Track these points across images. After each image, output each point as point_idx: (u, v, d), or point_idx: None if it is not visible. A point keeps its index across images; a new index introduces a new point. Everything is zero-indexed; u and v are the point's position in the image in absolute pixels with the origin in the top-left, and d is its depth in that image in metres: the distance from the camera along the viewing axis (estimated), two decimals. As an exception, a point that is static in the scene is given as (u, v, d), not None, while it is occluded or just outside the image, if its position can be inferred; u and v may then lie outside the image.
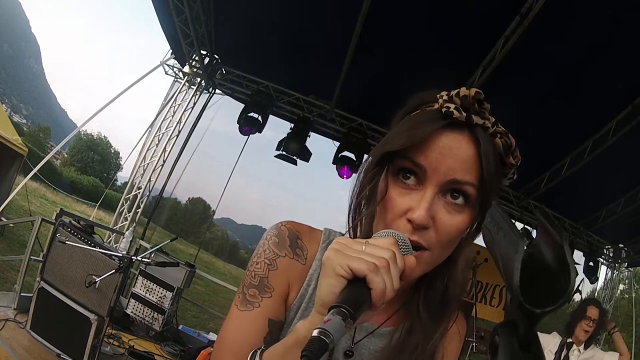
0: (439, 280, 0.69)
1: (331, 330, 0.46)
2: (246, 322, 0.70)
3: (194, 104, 6.10)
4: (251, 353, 0.61)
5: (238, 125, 5.66)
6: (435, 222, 0.60)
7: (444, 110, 0.61)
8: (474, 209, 0.62)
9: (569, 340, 2.96)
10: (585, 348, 2.97)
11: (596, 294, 7.43)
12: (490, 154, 0.61)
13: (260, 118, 5.72)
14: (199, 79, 5.95)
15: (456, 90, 0.62)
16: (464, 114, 0.61)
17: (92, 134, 45.41)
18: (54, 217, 3.18)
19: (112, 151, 47.79)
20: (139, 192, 5.89)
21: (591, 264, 6.49)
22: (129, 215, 5.81)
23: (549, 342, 2.96)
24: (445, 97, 0.63)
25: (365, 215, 0.68)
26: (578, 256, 6.58)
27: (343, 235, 0.78)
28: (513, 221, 0.42)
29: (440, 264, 0.66)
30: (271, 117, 5.89)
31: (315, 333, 0.45)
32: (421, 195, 0.60)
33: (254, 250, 0.79)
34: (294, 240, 0.75)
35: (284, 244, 0.74)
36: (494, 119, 0.63)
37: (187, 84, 6.00)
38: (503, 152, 0.63)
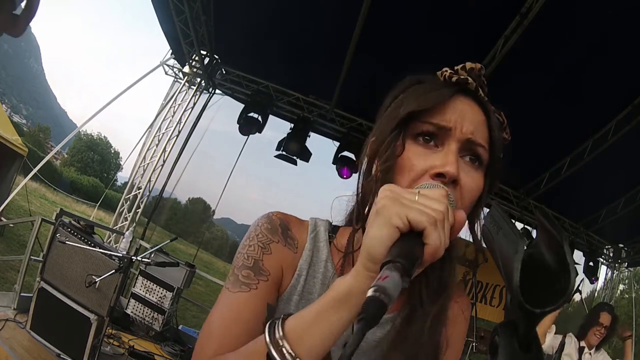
0: (439, 262, 0.68)
1: (390, 288, 0.40)
2: (241, 304, 0.63)
3: (194, 104, 6.10)
4: (268, 324, 0.52)
5: (238, 125, 5.67)
6: (459, 181, 0.61)
7: (454, 79, 0.65)
8: (486, 171, 0.65)
9: (582, 344, 2.99)
10: (596, 351, 3.00)
11: (596, 294, 7.44)
12: (495, 123, 0.66)
13: (260, 118, 5.73)
14: (199, 79, 5.95)
15: (461, 65, 0.66)
16: (475, 83, 0.65)
17: (92, 134, 45.45)
18: (54, 217, 3.18)
19: (112, 151, 47.82)
20: (139, 192, 5.89)
21: (591, 264, 6.49)
22: (129, 216, 5.81)
23: (569, 345, 2.96)
24: (451, 71, 0.66)
25: (380, 179, 0.63)
26: (578, 256, 6.58)
27: (331, 223, 0.77)
28: (513, 221, 0.42)
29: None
30: (271, 117, 5.89)
31: (371, 292, 0.40)
32: (445, 152, 0.61)
33: None
34: (285, 229, 0.73)
35: (276, 230, 0.72)
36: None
37: (187, 84, 6.00)
38: (498, 126, 0.68)
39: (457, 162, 0.60)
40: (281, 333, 0.50)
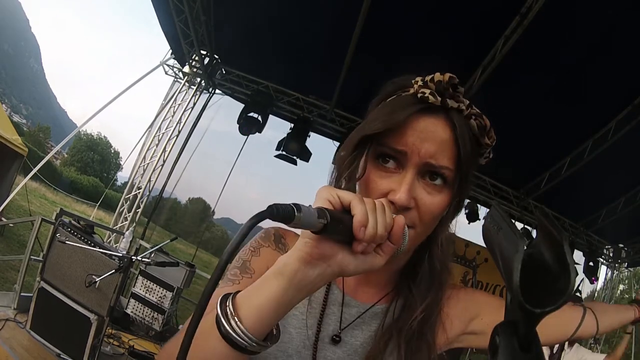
0: (423, 259, 0.71)
1: (303, 208, 0.45)
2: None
3: (194, 104, 6.11)
4: (220, 297, 0.55)
5: (238, 125, 5.67)
6: (417, 202, 0.63)
7: (419, 95, 0.63)
8: (453, 188, 0.65)
9: None
10: (570, 346, 2.94)
11: (596, 294, 7.44)
12: (466, 136, 0.64)
13: (260, 118, 5.73)
14: (198, 79, 5.95)
15: (430, 76, 0.64)
16: (439, 98, 0.62)
17: (92, 134, 45.46)
18: (53, 217, 3.18)
19: (112, 151, 47.83)
20: (139, 192, 5.89)
21: (591, 264, 6.49)
22: (129, 215, 5.81)
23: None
24: (420, 83, 0.64)
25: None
26: (578, 256, 6.58)
27: None
28: (513, 221, 0.42)
29: (423, 244, 0.69)
30: (271, 117, 5.89)
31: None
32: (401, 178, 0.62)
33: None
34: (279, 238, 0.79)
35: (269, 238, 0.78)
36: (468, 102, 0.65)
37: (187, 84, 6.00)
38: (478, 132, 0.65)
39: (410, 190, 0.61)
40: (230, 300, 0.54)
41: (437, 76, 0.63)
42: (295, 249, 0.52)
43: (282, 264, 0.53)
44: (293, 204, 0.45)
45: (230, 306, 0.53)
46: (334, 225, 0.48)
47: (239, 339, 0.51)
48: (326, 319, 0.73)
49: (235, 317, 0.52)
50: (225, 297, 0.54)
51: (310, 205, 0.48)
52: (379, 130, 0.62)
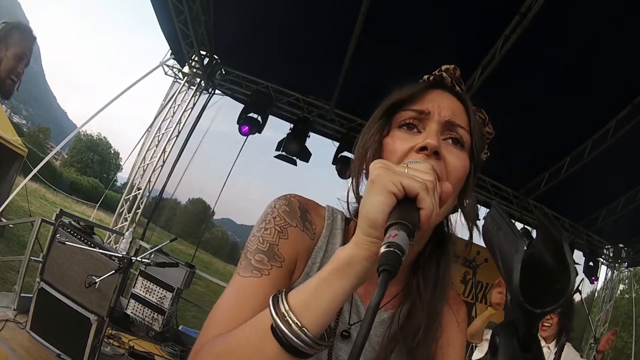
0: (433, 258, 0.72)
1: (402, 243, 0.42)
2: (251, 289, 0.61)
3: (194, 104, 6.10)
4: (272, 297, 0.52)
5: (238, 126, 5.67)
6: (445, 160, 0.64)
7: (431, 78, 0.74)
8: (471, 154, 0.69)
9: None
10: (556, 345, 2.86)
11: (596, 294, 7.44)
12: (473, 111, 0.72)
13: (260, 118, 5.73)
14: (198, 80, 5.95)
15: (438, 69, 0.74)
16: (450, 79, 0.73)
17: (92, 134, 45.44)
18: (53, 218, 3.18)
19: (112, 152, 47.80)
20: (139, 193, 5.89)
21: (591, 264, 6.49)
22: (128, 216, 5.81)
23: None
24: (428, 75, 0.75)
25: (369, 160, 0.69)
26: (578, 256, 6.58)
27: (345, 215, 0.78)
28: (513, 221, 0.42)
29: (434, 243, 0.71)
30: (271, 117, 5.89)
31: (384, 249, 0.42)
32: (426, 132, 0.66)
33: None
34: (304, 213, 0.72)
35: (295, 214, 0.70)
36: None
37: (186, 84, 6.00)
38: (480, 122, 0.74)
39: (438, 138, 0.65)
40: (286, 304, 0.50)
41: (445, 66, 0.74)
42: (359, 246, 0.50)
43: (345, 263, 0.50)
44: (396, 249, 0.42)
45: (291, 313, 0.50)
46: (413, 227, 0.47)
47: (304, 345, 0.49)
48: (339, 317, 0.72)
49: (298, 323, 0.49)
50: (276, 300, 0.52)
51: (396, 226, 0.45)
52: (404, 98, 0.70)
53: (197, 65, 5.71)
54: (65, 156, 42.47)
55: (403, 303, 0.73)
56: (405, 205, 0.48)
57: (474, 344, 3.22)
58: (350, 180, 0.73)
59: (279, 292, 0.53)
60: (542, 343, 2.82)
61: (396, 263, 0.41)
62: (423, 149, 0.63)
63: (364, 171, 0.71)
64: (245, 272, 0.63)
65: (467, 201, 0.71)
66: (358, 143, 0.74)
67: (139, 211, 5.91)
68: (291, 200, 0.72)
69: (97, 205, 9.50)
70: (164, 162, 6.04)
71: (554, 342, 2.86)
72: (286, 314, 0.49)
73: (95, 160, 42.79)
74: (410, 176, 0.49)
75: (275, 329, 0.49)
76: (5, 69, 1.83)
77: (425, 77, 0.75)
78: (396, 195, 0.48)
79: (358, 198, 0.72)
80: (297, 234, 0.69)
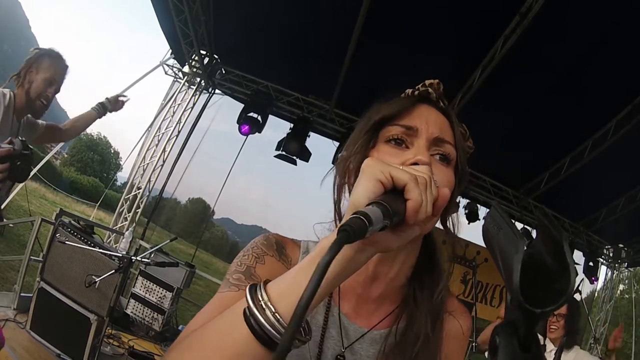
0: (427, 269, 0.72)
1: (371, 214, 0.41)
2: (228, 301, 0.60)
3: (194, 104, 6.10)
4: (248, 287, 0.51)
5: (238, 125, 5.67)
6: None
7: (416, 93, 0.74)
8: (456, 170, 0.70)
9: (546, 341, 2.87)
10: (568, 348, 2.88)
11: (596, 294, 7.44)
12: (457, 126, 0.73)
13: (259, 118, 5.73)
14: (198, 79, 5.95)
15: (422, 83, 0.75)
16: (435, 94, 0.74)
17: (92, 134, 45.35)
18: (53, 218, 3.18)
19: (112, 151, 47.74)
20: (139, 192, 5.89)
21: (591, 264, 6.50)
22: (128, 216, 5.81)
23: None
24: (412, 89, 0.75)
25: (352, 173, 0.70)
26: (578, 256, 6.59)
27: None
28: (513, 221, 0.42)
29: (426, 255, 0.72)
30: (271, 117, 5.89)
31: (350, 215, 0.42)
32: (415, 147, 0.67)
33: None
34: (281, 248, 0.76)
35: (272, 247, 0.75)
36: None
37: (186, 84, 6.00)
38: (460, 137, 0.74)
39: (428, 154, 0.66)
40: (263, 292, 0.49)
41: (428, 81, 0.74)
42: None
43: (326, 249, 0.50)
44: (362, 215, 0.41)
45: (267, 300, 0.48)
46: (393, 214, 0.45)
47: (276, 334, 0.46)
48: (326, 342, 0.71)
49: (273, 309, 0.47)
50: (253, 288, 0.50)
51: (372, 204, 0.44)
52: (389, 113, 0.70)
53: (197, 65, 5.71)
54: (65, 155, 42.44)
55: (399, 320, 0.72)
56: (392, 194, 0.48)
57: (474, 344, 3.22)
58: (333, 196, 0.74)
59: (257, 283, 0.52)
60: (550, 346, 2.84)
61: (358, 229, 0.40)
62: (414, 164, 0.63)
63: (347, 186, 0.72)
64: (224, 288, 0.66)
65: (449, 217, 0.72)
66: (340, 158, 0.74)
67: (139, 211, 5.91)
68: (269, 237, 0.77)
69: (97, 204, 9.49)
70: (164, 161, 6.04)
71: (558, 343, 2.87)
72: (261, 300, 0.48)
73: (95, 159, 42.76)
74: (401, 169, 0.50)
75: (247, 314, 0.48)
76: (35, 92, 2.00)
77: (409, 91, 0.75)
78: (384, 183, 0.48)
79: (340, 215, 0.73)
80: (274, 262, 0.73)
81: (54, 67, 2.05)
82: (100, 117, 2.73)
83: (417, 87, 0.74)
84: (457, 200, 0.75)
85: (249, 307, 0.48)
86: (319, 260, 0.39)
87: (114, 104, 2.78)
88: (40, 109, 2.08)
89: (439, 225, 0.71)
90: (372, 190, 0.47)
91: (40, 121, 2.28)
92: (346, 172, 0.72)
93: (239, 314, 0.49)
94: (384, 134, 0.70)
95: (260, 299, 0.48)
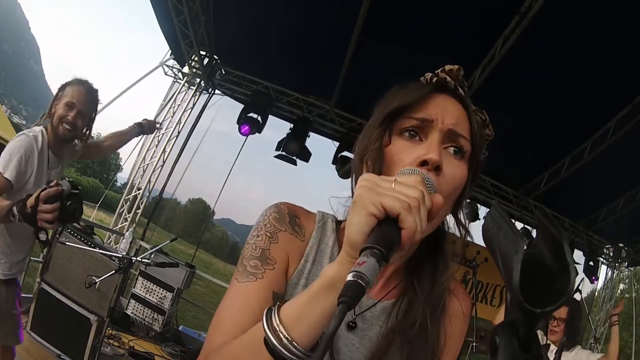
0: (429, 256, 0.72)
1: (367, 273, 0.44)
2: (249, 294, 0.66)
3: (194, 104, 6.10)
4: (266, 310, 0.56)
5: (238, 126, 5.67)
6: (443, 170, 0.64)
7: (435, 80, 0.71)
8: (470, 164, 0.69)
9: (548, 341, 2.88)
10: (569, 348, 2.89)
11: (596, 294, 7.44)
12: (475, 118, 0.71)
13: (259, 118, 5.72)
14: (198, 80, 5.95)
15: (441, 68, 0.72)
16: (454, 82, 0.71)
17: (92, 134, 45.35)
18: (53, 218, 3.17)
19: (112, 152, 47.71)
20: (139, 193, 5.88)
21: (591, 263, 6.49)
22: (128, 216, 5.81)
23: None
24: (432, 74, 0.72)
25: (369, 168, 0.68)
26: (578, 256, 6.59)
27: (336, 219, 0.80)
28: (513, 221, 0.42)
29: (429, 241, 0.71)
30: (271, 117, 5.89)
31: (350, 277, 0.43)
32: (428, 142, 0.65)
33: None
34: (293, 218, 0.76)
35: (284, 219, 0.75)
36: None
37: (186, 84, 5.99)
38: (481, 123, 0.73)
39: (440, 150, 0.64)
40: (277, 319, 0.54)
41: (448, 66, 0.71)
42: (343, 265, 0.52)
43: (332, 280, 0.52)
44: (358, 279, 0.43)
45: (282, 327, 0.53)
46: (389, 251, 0.47)
47: (294, 358, 0.52)
48: None
49: (288, 337, 0.52)
50: (269, 314, 0.55)
51: (367, 250, 0.46)
52: (404, 103, 0.68)
53: (197, 65, 5.71)
54: (65, 156, 42.38)
55: (404, 294, 0.73)
56: (386, 225, 0.49)
57: (474, 344, 3.22)
58: (351, 179, 0.75)
59: (272, 306, 0.56)
60: (552, 345, 2.84)
61: (356, 295, 0.42)
62: (424, 163, 0.62)
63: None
64: (242, 278, 0.68)
65: (461, 211, 0.72)
66: (358, 145, 0.74)
67: (139, 211, 5.90)
68: (280, 207, 0.76)
69: (97, 205, 9.47)
70: (164, 162, 6.04)
71: (560, 344, 2.88)
72: (277, 328, 0.53)
73: (95, 160, 42.74)
74: (392, 195, 0.50)
75: (267, 342, 0.53)
76: (57, 117, 2.06)
77: (428, 75, 0.72)
78: (376, 216, 0.49)
79: None
80: (287, 237, 0.73)
81: (73, 91, 2.09)
82: (136, 136, 2.82)
83: (436, 72, 0.72)
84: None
85: (267, 336, 0.53)
86: (334, 288, 0.50)
87: (149, 127, 2.86)
88: (64, 134, 2.08)
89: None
90: (365, 224, 0.49)
91: (76, 142, 2.29)
92: (364, 164, 0.71)
93: (260, 339, 0.54)
94: (399, 126, 0.68)
95: (277, 327, 0.53)
